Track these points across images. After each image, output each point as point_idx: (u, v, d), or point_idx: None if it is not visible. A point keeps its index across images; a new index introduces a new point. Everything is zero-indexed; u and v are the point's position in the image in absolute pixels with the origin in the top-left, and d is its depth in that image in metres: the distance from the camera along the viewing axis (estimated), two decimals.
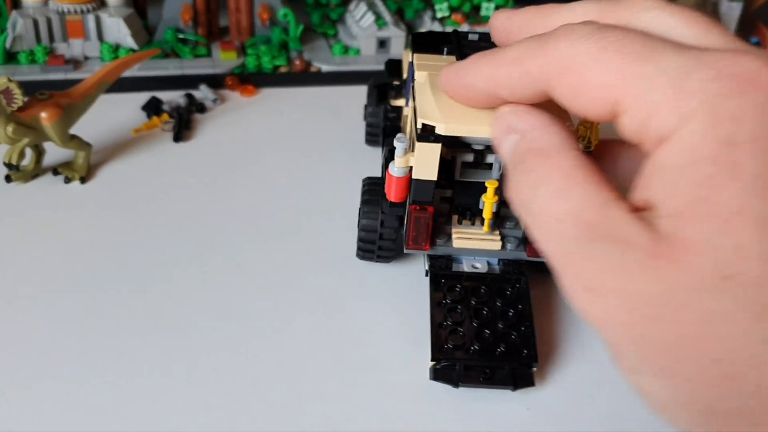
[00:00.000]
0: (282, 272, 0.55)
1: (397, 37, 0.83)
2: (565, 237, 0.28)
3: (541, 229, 0.29)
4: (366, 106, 0.66)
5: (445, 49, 0.49)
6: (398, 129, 0.61)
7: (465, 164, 0.48)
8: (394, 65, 0.67)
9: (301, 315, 0.51)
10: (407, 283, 0.54)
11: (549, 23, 0.33)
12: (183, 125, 0.71)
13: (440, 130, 0.42)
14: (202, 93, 0.77)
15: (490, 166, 0.48)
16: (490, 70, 0.34)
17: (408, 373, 0.47)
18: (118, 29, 0.79)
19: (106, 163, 0.66)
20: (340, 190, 0.63)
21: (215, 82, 0.79)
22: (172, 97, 0.76)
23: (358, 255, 0.54)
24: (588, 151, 0.43)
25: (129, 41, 0.80)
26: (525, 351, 0.45)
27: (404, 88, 0.60)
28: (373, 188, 0.52)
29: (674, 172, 0.26)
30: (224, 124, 0.73)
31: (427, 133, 0.43)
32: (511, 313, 0.47)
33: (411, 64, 0.53)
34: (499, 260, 0.50)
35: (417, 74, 0.47)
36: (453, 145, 0.47)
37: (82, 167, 0.63)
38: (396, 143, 0.45)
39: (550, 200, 0.29)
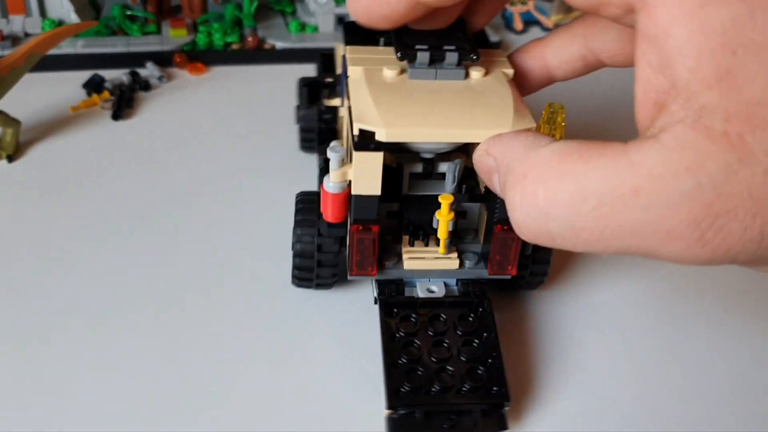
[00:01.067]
0: (212, 286, 0.49)
1: None
2: (616, 215, 0.25)
3: (573, 225, 0.26)
4: (297, 108, 0.59)
5: (382, 39, 0.43)
6: (335, 132, 0.54)
7: (414, 175, 0.42)
8: (327, 60, 0.59)
9: (229, 349, 0.44)
10: (352, 312, 0.47)
11: None
12: (124, 103, 0.68)
13: (381, 137, 0.36)
14: (148, 71, 0.73)
15: (442, 176, 0.42)
16: None
17: (360, 425, 0.40)
18: (61, 5, 0.75)
19: (38, 141, 0.63)
20: (286, 182, 0.58)
21: (163, 59, 0.75)
22: (117, 75, 0.72)
23: (294, 282, 0.47)
24: None
25: (73, 17, 0.76)
26: (495, 388, 0.39)
27: (339, 86, 0.53)
28: (307, 205, 0.45)
29: (681, 43, 0.24)
30: (168, 103, 0.69)
31: (365, 140, 0.36)
32: (475, 344, 0.41)
33: (343, 56, 0.47)
34: (458, 280, 0.44)
35: (350, 69, 0.40)
36: (398, 152, 0.41)
37: (10, 144, 0.60)
38: (330, 153, 0.38)
39: (562, 195, 0.26)
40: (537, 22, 0.90)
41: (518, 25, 0.89)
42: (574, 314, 0.48)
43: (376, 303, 0.43)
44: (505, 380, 0.39)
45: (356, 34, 0.44)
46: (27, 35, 0.75)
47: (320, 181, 0.46)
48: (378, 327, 0.42)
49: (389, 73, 0.39)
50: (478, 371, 0.39)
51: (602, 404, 0.43)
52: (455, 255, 0.42)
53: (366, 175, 0.38)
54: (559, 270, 0.51)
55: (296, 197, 0.46)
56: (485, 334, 0.41)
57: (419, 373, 0.39)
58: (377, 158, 0.37)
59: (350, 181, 0.39)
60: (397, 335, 0.41)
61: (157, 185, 0.58)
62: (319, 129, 0.55)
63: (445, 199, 0.39)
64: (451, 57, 0.38)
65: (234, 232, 0.53)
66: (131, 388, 0.41)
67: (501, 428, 0.38)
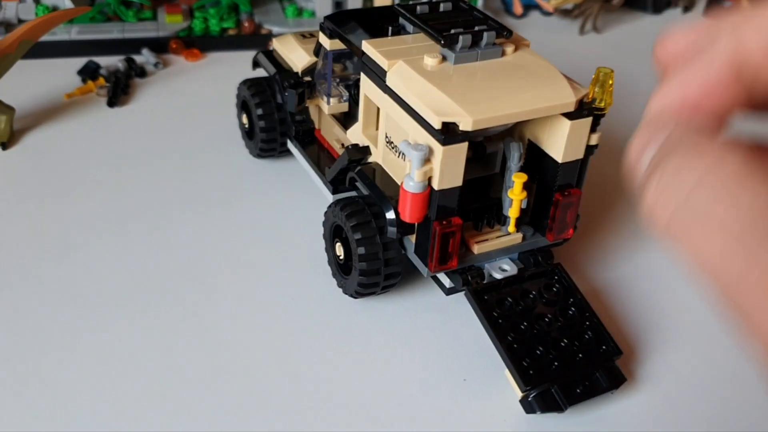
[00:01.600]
0: (212, 275, 0.50)
1: None
2: (741, 246, 0.20)
3: (703, 241, 0.22)
4: (252, 108, 0.55)
5: (390, 28, 0.42)
6: (311, 133, 0.53)
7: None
8: (271, 58, 0.56)
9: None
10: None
11: None
12: (120, 90, 0.67)
13: (466, 126, 0.35)
14: (144, 57, 0.73)
15: (489, 157, 0.42)
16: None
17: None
18: None
19: (33, 128, 0.62)
20: (287, 164, 0.58)
21: (159, 46, 0.74)
22: (113, 61, 0.72)
23: (355, 295, 0.44)
24: (602, 114, 0.38)
25: (67, 3, 0.75)
26: (603, 346, 0.40)
27: (321, 85, 0.51)
28: (357, 208, 0.42)
29: None
30: (164, 90, 0.69)
31: (452, 133, 0.35)
32: (571, 311, 0.41)
33: (330, 53, 0.47)
34: (519, 254, 0.44)
35: (387, 64, 0.39)
36: None
37: (4, 132, 0.59)
38: (412, 152, 0.36)
39: (715, 203, 0.21)
40: (537, 6, 0.89)
41: (518, 9, 0.89)
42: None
43: (448, 294, 0.43)
44: (609, 336, 0.40)
45: (345, 25, 0.44)
46: (20, 21, 0.74)
47: (332, 184, 0.46)
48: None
49: (431, 62, 0.39)
50: (586, 335, 0.40)
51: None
52: (515, 229, 0.42)
53: (451, 167, 0.37)
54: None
55: (336, 206, 0.44)
56: (572, 299, 0.42)
57: (536, 350, 0.39)
58: (462, 149, 0.36)
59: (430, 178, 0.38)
60: (500, 320, 0.40)
61: (153, 172, 0.57)
62: (296, 132, 0.54)
63: (519, 178, 0.39)
64: (489, 36, 0.39)
65: (234, 217, 0.53)
66: (131, 381, 0.41)
67: (622, 380, 0.40)
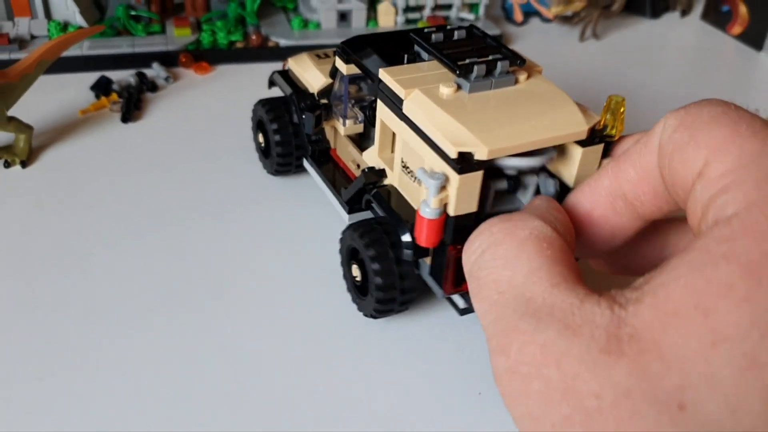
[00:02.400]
0: (231, 286, 0.51)
1: (359, 9, 0.80)
2: (503, 309, 0.25)
3: (482, 297, 0.27)
4: (269, 128, 0.56)
5: (406, 56, 0.44)
6: (326, 153, 0.55)
7: (498, 193, 0.41)
8: (287, 78, 0.57)
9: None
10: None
11: None
12: (132, 105, 0.69)
13: (482, 156, 0.36)
14: (155, 71, 0.74)
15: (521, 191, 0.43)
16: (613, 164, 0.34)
17: None
18: (66, 6, 0.76)
19: (50, 145, 0.63)
20: (302, 177, 0.60)
21: (169, 59, 0.76)
22: (124, 76, 0.73)
23: (372, 315, 0.46)
24: (612, 141, 0.39)
25: (78, 19, 0.76)
26: None
27: (336, 107, 0.52)
28: (374, 236, 0.43)
29: (697, 261, 0.22)
30: (176, 104, 0.70)
31: (467, 163, 0.37)
32: None
33: (345, 77, 0.48)
34: None
35: (404, 93, 0.41)
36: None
37: (23, 150, 0.61)
38: (429, 180, 0.37)
39: (495, 266, 0.27)
40: (537, 14, 0.91)
41: (518, 16, 0.90)
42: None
43: (461, 315, 0.44)
44: None
45: (361, 50, 0.45)
46: (33, 37, 0.76)
47: (346, 204, 0.48)
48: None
49: (446, 91, 0.40)
50: None
51: None
52: None
53: (466, 195, 0.38)
54: None
55: (351, 229, 0.45)
56: None
57: None
58: (477, 177, 0.37)
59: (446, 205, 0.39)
60: None
61: (169, 187, 0.59)
62: (313, 152, 0.55)
63: None
64: (503, 65, 0.41)
65: (249, 231, 0.54)
66: (151, 394, 0.42)
67: None
